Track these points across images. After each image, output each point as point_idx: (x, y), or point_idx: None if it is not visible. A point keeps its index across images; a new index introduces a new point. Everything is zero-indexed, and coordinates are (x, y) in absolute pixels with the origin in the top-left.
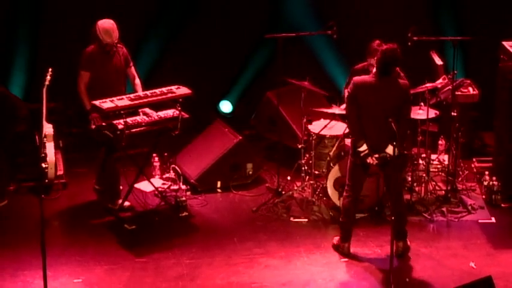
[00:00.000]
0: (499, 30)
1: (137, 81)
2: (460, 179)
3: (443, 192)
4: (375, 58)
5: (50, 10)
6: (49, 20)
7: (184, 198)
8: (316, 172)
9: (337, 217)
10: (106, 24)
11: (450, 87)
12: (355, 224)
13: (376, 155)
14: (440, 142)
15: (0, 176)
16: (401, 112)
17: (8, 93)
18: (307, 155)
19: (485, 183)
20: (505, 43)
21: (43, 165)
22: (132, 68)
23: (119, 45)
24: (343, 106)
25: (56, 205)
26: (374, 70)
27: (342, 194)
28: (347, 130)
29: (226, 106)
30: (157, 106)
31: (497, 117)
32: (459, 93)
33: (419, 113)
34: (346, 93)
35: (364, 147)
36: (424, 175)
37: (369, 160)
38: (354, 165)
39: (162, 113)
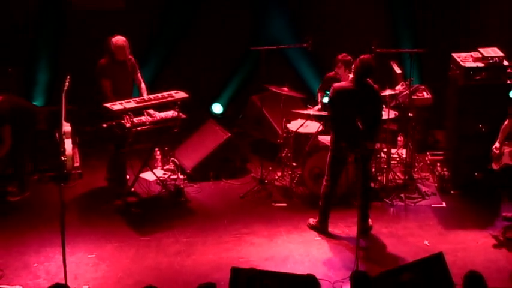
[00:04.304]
0: (449, 44)
1: (143, 85)
2: (415, 169)
3: (401, 181)
4: (343, 65)
5: (68, 26)
6: (67, 34)
7: (182, 186)
8: (294, 164)
9: (312, 202)
10: (119, 42)
11: (407, 92)
12: (332, 208)
13: (357, 149)
14: (399, 138)
15: (22, 171)
16: (375, 112)
17: (23, 104)
18: (286, 149)
19: (437, 173)
20: (454, 55)
21: (62, 158)
22: (139, 74)
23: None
24: (317, 107)
25: (73, 192)
26: (351, 77)
27: (315, 182)
28: (320, 128)
29: (217, 108)
30: (159, 108)
31: (447, 118)
32: (415, 97)
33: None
34: (319, 96)
35: (343, 143)
36: (385, 166)
37: (354, 153)
38: (334, 158)
39: (163, 114)
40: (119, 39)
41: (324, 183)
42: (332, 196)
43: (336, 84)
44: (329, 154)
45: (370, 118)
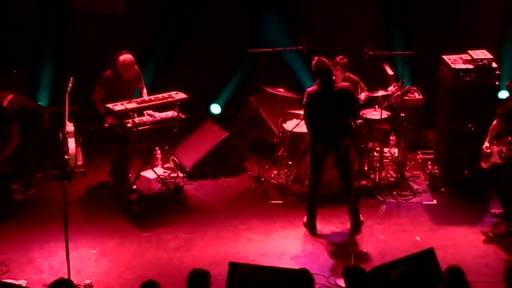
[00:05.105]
0: (439, 46)
1: (145, 90)
2: (407, 168)
3: (393, 178)
4: (341, 67)
5: (70, 28)
6: (70, 36)
7: (181, 184)
8: (290, 162)
9: (303, 201)
10: (126, 61)
11: (399, 93)
12: (317, 206)
13: (334, 151)
14: (391, 138)
15: (28, 169)
16: (349, 110)
17: (30, 103)
18: (282, 148)
19: (428, 171)
20: (444, 57)
21: (66, 156)
22: (143, 82)
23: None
24: None
25: (76, 189)
26: (334, 76)
27: None
28: None
29: (216, 108)
30: (159, 108)
31: (438, 118)
32: (407, 98)
33: (374, 114)
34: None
35: (319, 146)
36: (378, 165)
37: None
38: (312, 158)
39: (164, 114)
40: (126, 58)
41: (307, 183)
42: (316, 195)
43: (308, 89)
44: (308, 155)
45: (345, 116)
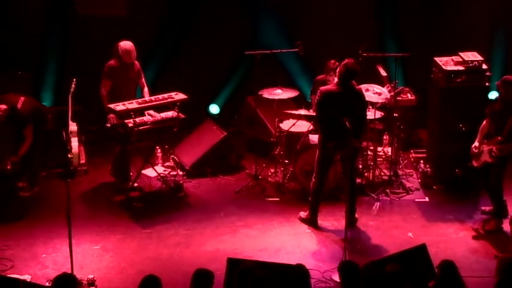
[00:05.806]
0: (431, 48)
1: (146, 89)
2: (400, 166)
3: (387, 177)
4: (335, 73)
5: (73, 30)
6: (73, 38)
7: (181, 182)
8: (286, 161)
9: (303, 197)
10: (127, 46)
11: (393, 93)
12: (321, 202)
13: (344, 148)
14: (384, 137)
15: (33, 167)
16: (360, 112)
17: (38, 104)
18: (279, 148)
19: (421, 169)
20: (436, 59)
21: (69, 155)
22: (143, 79)
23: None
24: (312, 110)
25: (79, 187)
26: (336, 80)
27: (306, 178)
28: (311, 127)
29: (214, 108)
30: (159, 108)
31: (430, 118)
32: (400, 98)
33: (368, 114)
34: (314, 100)
35: (331, 143)
36: (371, 163)
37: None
38: (322, 156)
39: (164, 114)
40: (126, 43)
41: (313, 179)
42: (321, 192)
43: (322, 88)
44: (317, 152)
45: (355, 118)
